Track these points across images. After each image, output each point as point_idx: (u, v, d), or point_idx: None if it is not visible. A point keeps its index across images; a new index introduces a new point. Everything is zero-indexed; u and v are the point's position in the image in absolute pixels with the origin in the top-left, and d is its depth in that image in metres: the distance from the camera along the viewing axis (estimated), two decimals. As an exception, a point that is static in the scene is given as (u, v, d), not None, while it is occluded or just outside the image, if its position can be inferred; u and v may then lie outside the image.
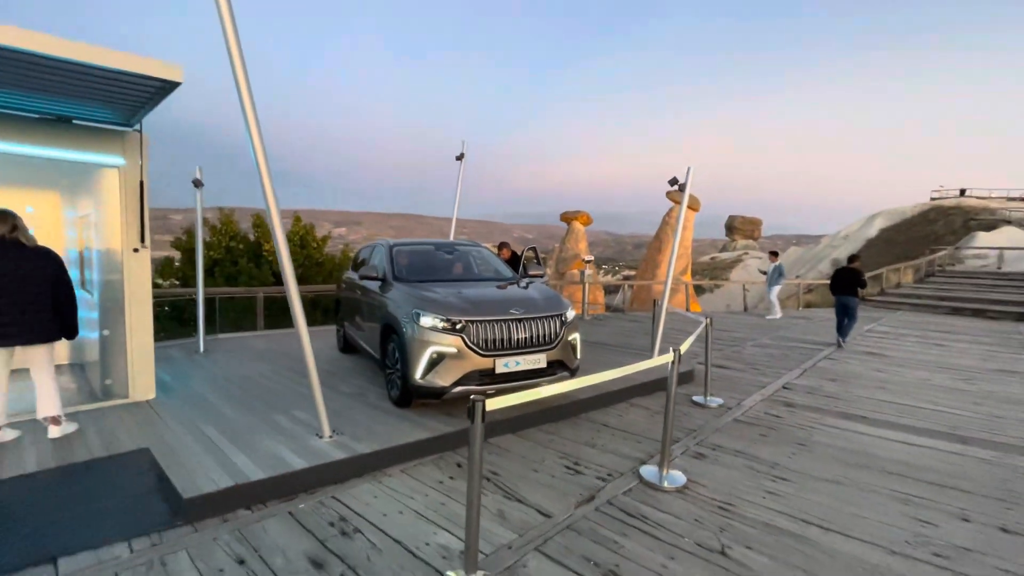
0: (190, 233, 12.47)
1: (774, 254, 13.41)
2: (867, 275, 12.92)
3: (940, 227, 39.14)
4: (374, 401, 4.75)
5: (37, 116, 4.03)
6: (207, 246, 12.48)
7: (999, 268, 19.58)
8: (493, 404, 2.33)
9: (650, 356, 6.36)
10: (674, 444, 4.10)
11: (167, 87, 3.49)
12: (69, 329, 3.82)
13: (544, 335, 4.47)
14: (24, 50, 2.94)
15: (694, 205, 26.88)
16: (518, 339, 4.33)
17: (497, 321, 4.27)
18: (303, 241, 13.48)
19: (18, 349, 3.64)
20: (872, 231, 42.53)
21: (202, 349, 6.84)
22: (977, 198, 43.62)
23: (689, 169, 6.11)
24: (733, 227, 68.57)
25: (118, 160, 4.28)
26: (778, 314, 12.87)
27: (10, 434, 3.67)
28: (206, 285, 7.42)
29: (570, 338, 4.72)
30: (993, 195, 44.70)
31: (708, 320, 5.38)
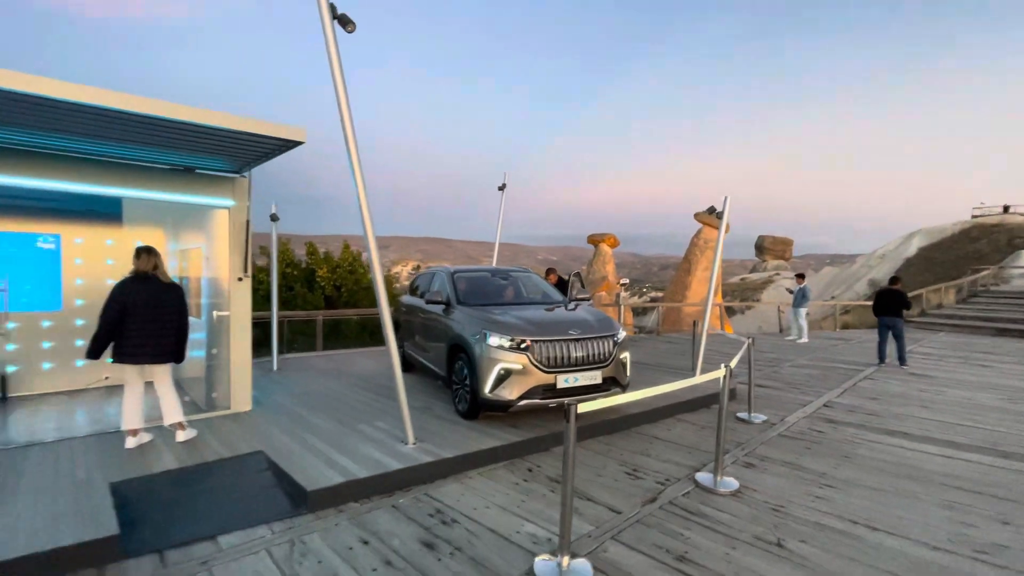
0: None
1: (800, 276, 13.51)
2: (909, 295, 12.89)
3: (983, 245, 37.98)
4: (441, 413, 5.23)
5: (168, 167, 4.78)
6: (263, 271, 13.38)
7: (1047, 288, 19.03)
8: (584, 408, 2.77)
9: (692, 375, 6.69)
10: (724, 455, 4.43)
11: (289, 145, 4.17)
12: (179, 354, 4.42)
13: (599, 354, 4.91)
14: (175, 120, 3.63)
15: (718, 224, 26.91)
16: (576, 357, 4.78)
17: (558, 341, 4.74)
18: (352, 267, 14.31)
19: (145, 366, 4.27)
20: (911, 250, 41.50)
21: (275, 367, 7.48)
22: (1022, 215, 42.20)
23: (726, 199, 6.52)
24: (763, 247, 67.65)
25: (228, 202, 4.99)
26: (805, 338, 12.89)
27: (146, 437, 4.28)
28: (265, 310, 8.05)
29: (621, 357, 5.14)
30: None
31: (751, 340, 5.71)
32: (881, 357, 9.34)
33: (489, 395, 4.64)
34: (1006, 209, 44.33)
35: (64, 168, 4.28)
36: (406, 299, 7.60)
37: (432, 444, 4.27)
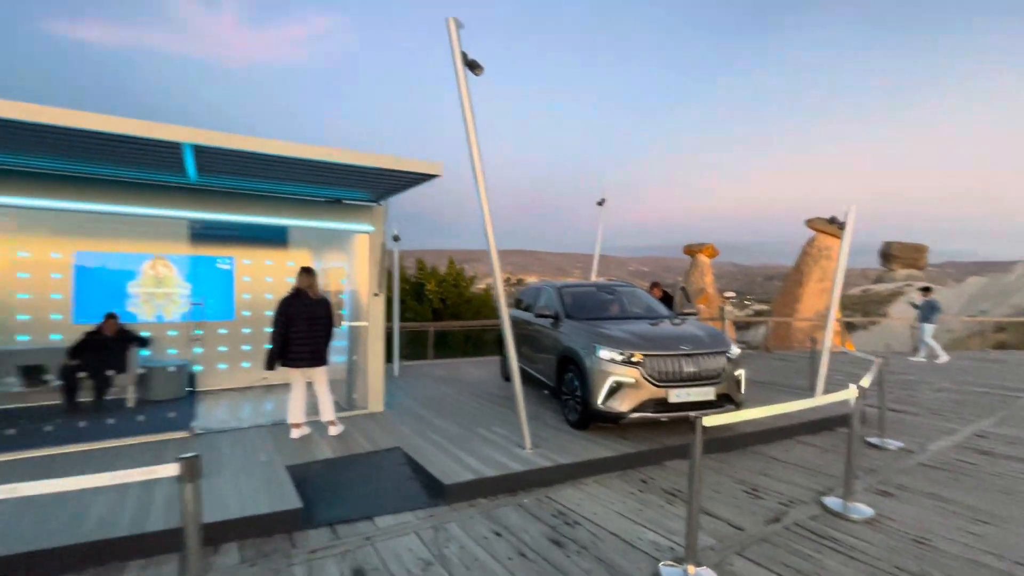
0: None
1: (926, 289, 12.03)
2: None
3: None
4: (551, 422, 5.48)
5: (322, 199, 5.61)
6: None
7: None
8: (707, 422, 2.87)
9: (810, 395, 6.32)
10: (854, 480, 4.19)
11: (426, 178, 4.75)
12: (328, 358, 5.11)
13: (711, 370, 4.89)
14: (335, 162, 4.30)
15: (839, 233, 24.63)
16: (688, 372, 4.81)
17: (669, 355, 4.81)
18: (456, 281, 15.25)
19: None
20: (1089, 256, 34.69)
21: (397, 373, 8.25)
22: None
23: (851, 209, 6.14)
24: (890, 255, 60.15)
25: (368, 227, 5.71)
26: (944, 356, 11.40)
27: (306, 430, 5.02)
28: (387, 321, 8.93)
29: (736, 373, 5.07)
30: None
31: (882, 359, 5.32)
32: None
33: (600, 406, 4.81)
34: None
35: (251, 204, 5.22)
36: (512, 312, 8.02)
37: (548, 450, 4.54)
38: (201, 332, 6.71)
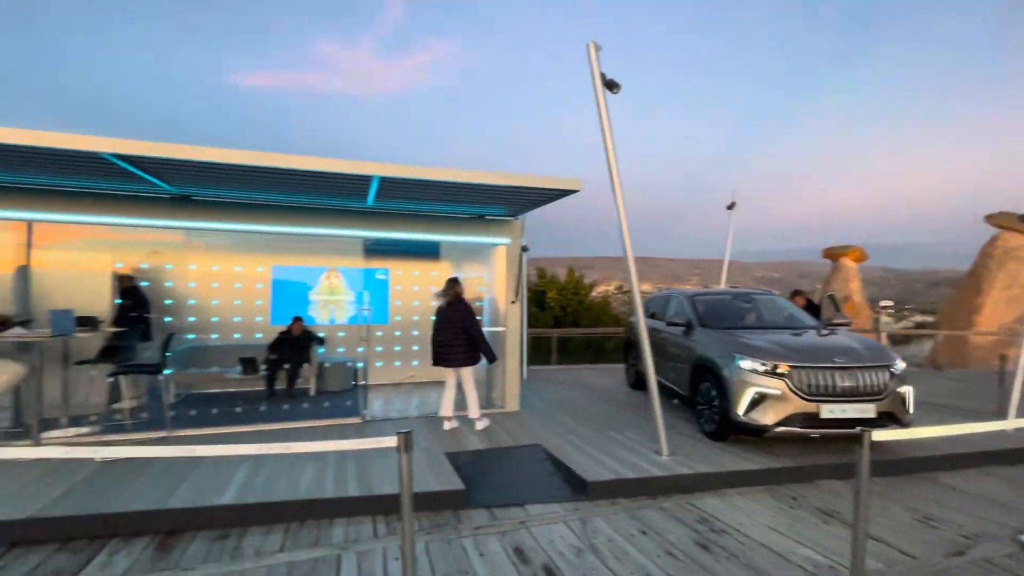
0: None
1: None
2: None
3: None
4: (684, 431, 5.44)
5: (467, 216, 6.24)
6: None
7: None
8: (880, 435, 2.76)
9: (999, 419, 5.45)
10: (1064, 521, 3.61)
11: (565, 193, 5.09)
12: (472, 358, 5.56)
13: (871, 385, 4.52)
14: (486, 184, 4.79)
15: (1034, 230, 20.44)
16: (843, 387, 4.50)
17: (820, 368, 4.55)
18: (576, 289, 15.55)
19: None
20: None
21: (525, 376, 8.71)
22: None
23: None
24: (1113, 255, 47.93)
25: (506, 240, 6.21)
26: None
27: (456, 423, 5.60)
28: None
29: (900, 390, 4.62)
30: None
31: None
32: None
33: (742, 418, 4.70)
34: None
35: (410, 223, 5.99)
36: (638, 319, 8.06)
37: (685, 458, 4.55)
38: (380, 334, 7.78)
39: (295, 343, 7.07)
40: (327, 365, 7.31)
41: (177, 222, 5.18)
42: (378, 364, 7.92)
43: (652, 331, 7.04)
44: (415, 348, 8.21)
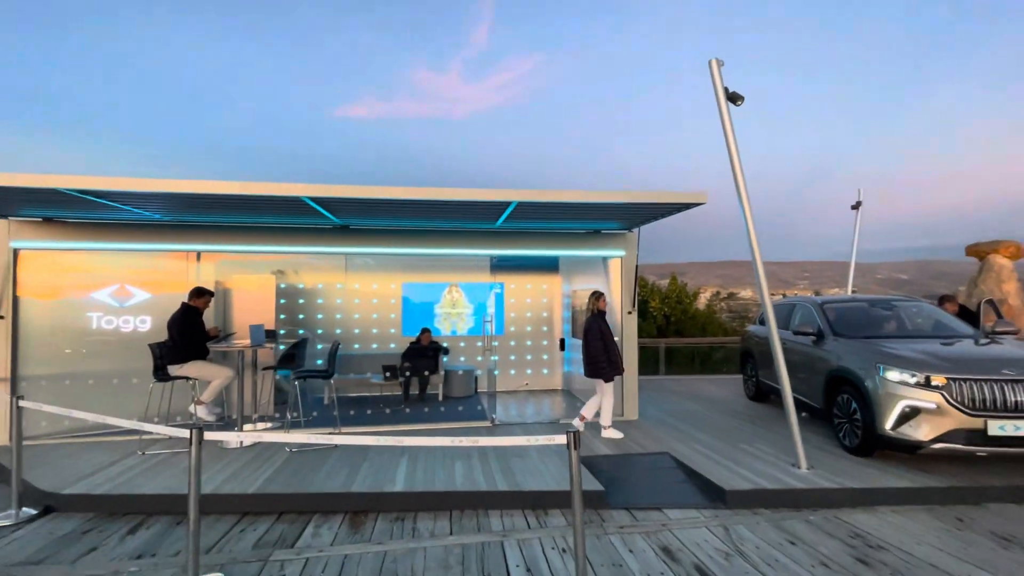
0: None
1: None
2: None
3: None
4: (820, 445, 5.23)
5: (583, 231, 6.55)
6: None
7: None
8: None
9: None
10: None
11: (690, 206, 5.23)
12: (594, 372, 5.77)
13: (1055, 399, 4.09)
14: (605, 202, 5.04)
15: None
16: (1016, 402, 4.12)
17: (986, 380, 4.21)
18: (679, 297, 15.22)
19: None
20: None
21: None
22: None
23: None
24: None
25: (621, 252, 6.42)
26: None
27: (580, 427, 5.86)
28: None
29: (1091, 406, 4.12)
30: None
31: None
32: None
33: (891, 433, 4.46)
34: None
35: (531, 240, 6.44)
36: (755, 328, 7.82)
37: (827, 471, 4.42)
38: (496, 344, 8.37)
39: (424, 352, 7.79)
40: (454, 373, 7.95)
41: (340, 248, 6.07)
42: (495, 372, 8.43)
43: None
44: (528, 358, 8.63)
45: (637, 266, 6.44)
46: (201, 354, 5.43)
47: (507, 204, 4.82)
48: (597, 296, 5.72)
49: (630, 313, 6.42)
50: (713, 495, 4.21)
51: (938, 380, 4.32)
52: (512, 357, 8.57)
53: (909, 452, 4.44)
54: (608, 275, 6.66)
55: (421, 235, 6.25)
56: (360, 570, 3.15)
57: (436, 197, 4.56)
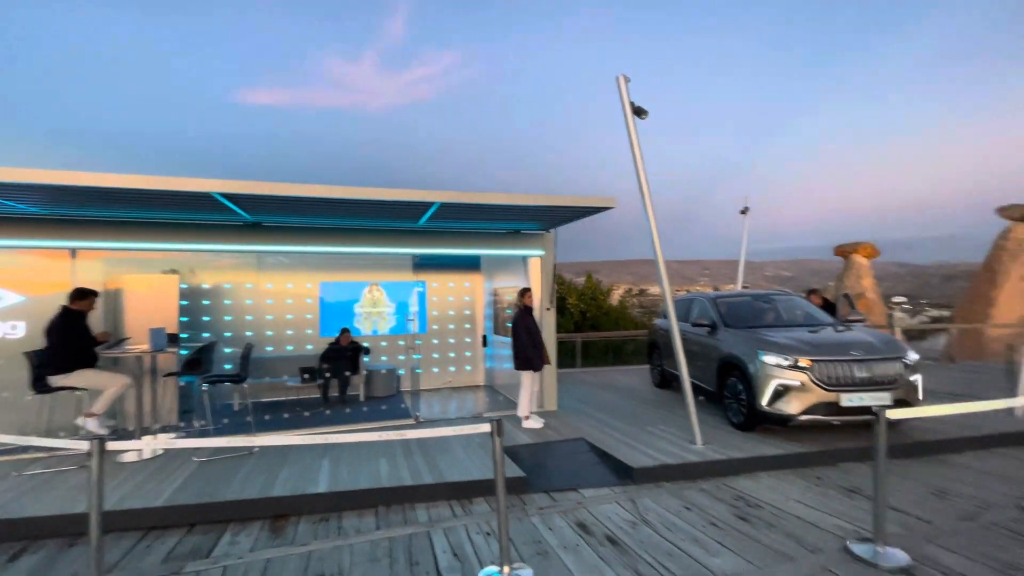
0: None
1: None
2: None
3: None
4: (713, 423, 5.89)
5: (504, 231, 6.78)
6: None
7: None
8: (895, 413, 3.23)
9: (1011, 409, 5.86)
10: (1065, 491, 4.04)
11: (600, 210, 5.62)
12: (518, 363, 6.11)
13: (887, 375, 4.97)
14: (526, 205, 5.32)
15: (1050, 223, 20.61)
16: (860, 377, 4.96)
17: (838, 360, 5.01)
18: (594, 294, 16.04)
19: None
20: None
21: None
22: None
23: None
24: None
25: (541, 252, 6.74)
26: None
27: (533, 421, 6.07)
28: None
29: (912, 379, 5.07)
30: None
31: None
32: None
33: (767, 408, 5.16)
34: None
35: (453, 239, 6.55)
36: (660, 322, 8.54)
37: (718, 446, 5.02)
38: (419, 342, 8.35)
39: (343, 353, 7.63)
40: (376, 372, 7.86)
41: (251, 246, 5.79)
42: (418, 371, 8.45)
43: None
44: (451, 355, 8.75)
45: (555, 265, 6.80)
46: (89, 361, 4.96)
47: (430, 204, 4.92)
48: (523, 292, 6.00)
49: (549, 309, 6.76)
50: (623, 473, 4.63)
51: (804, 362, 5.08)
52: (435, 355, 8.64)
53: (782, 424, 5.17)
54: (528, 273, 6.95)
55: (339, 233, 6.14)
56: (284, 572, 3.13)
57: (358, 196, 4.55)
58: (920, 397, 5.10)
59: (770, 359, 5.24)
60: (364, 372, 7.72)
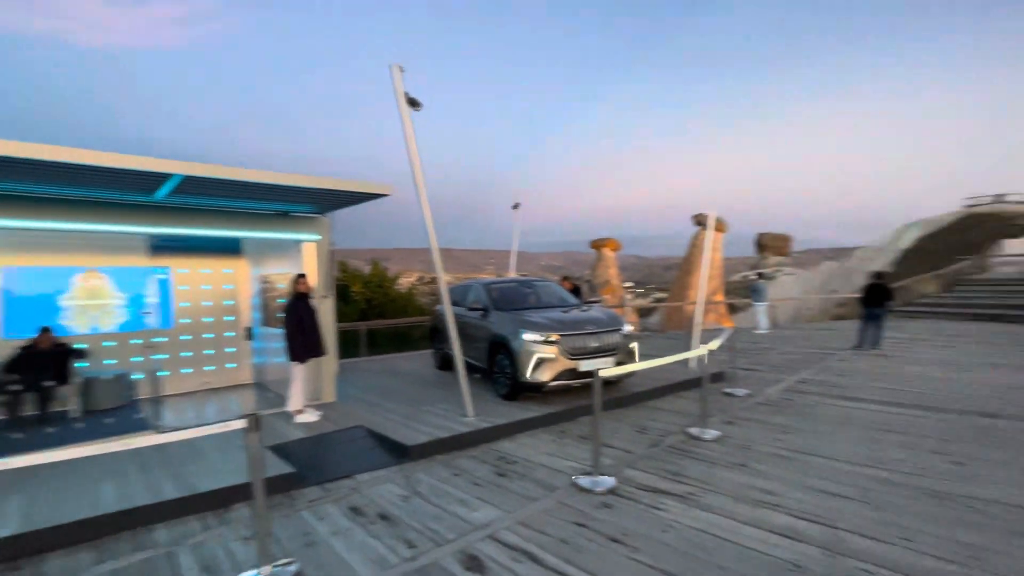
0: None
1: (759, 275, 15.01)
2: (893, 287, 14.09)
3: (977, 234, 38.99)
4: (486, 397, 6.53)
5: (272, 212, 6.17)
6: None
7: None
8: (604, 373, 4.09)
9: (687, 360, 8.00)
10: (711, 418, 5.72)
11: (375, 196, 5.54)
12: (289, 353, 5.74)
13: (611, 344, 6.24)
14: (284, 184, 4.98)
15: (721, 227, 28.29)
16: (593, 347, 6.12)
17: (579, 334, 6.08)
18: (380, 282, 15.73)
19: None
20: (907, 241, 42.56)
21: (336, 370, 8.82)
22: (1016, 202, 42.98)
23: (711, 215, 7.87)
24: (763, 244, 68.78)
25: (315, 236, 6.37)
26: (764, 328, 14.25)
27: (309, 415, 5.59)
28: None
29: (631, 346, 6.48)
30: (1032, 199, 43.93)
31: (733, 329, 7.02)
32: (860, 342, 10.56)
33: (528, 379, 5.96)
34: (998, 197, 45.26)
35: (205, 218, 5.66)
36: (441, 307, 8.99)
37: (487, 416, 5.60)
38: (166, 339, 6.95)
39: (43, 359, 5.95)
40: (97, 380, 6.33)
41: None
42: (162, 374, 7.13)
43: (456, 316, 8.05)
44: (209, 352, 7.61)
45: (333, 251, 6.52)
46: None
47: (167, 176, 4.18)
48: (297, 279, 5.59)
49: (325, 297, 6.46)
50: (399, 453, 4.79)
51: (555, 337, 6.01)
52: (187, 354, 7.39)
53: (538, 391, 6.04)
54: (302, 259, 6.50)
55: (34, 203, 4.73)
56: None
57: (72, 160, 3.57)
58: (636, 359, 6.56)
59: (529, 336, 6.05)
60: (78, 380, 6.15)
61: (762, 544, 3.07)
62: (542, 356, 5.94)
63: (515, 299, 7.37)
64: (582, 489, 3.92)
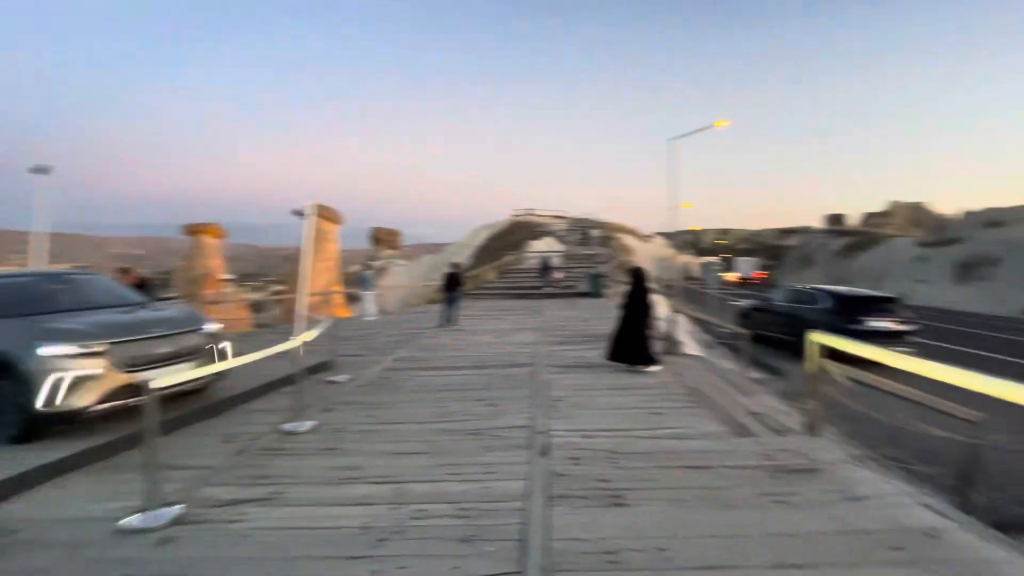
0: None
1: (367, 266, 17.00)
2: (467, 275, 17.77)
3: (518, 236, 54.23)
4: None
5: None
6: None
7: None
8: (157, 383, 3.38)
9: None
10: (309, 409, 5.68)
11: None
12: None
13: (189, 347, 5.28)
14: None
15: (336, 219, 28.82)
16: (164, 353, 5.01)
17: (139, 340, 4.85)
18: None
19: None
20: (480, 240, 54.85)
21: None
22: (538, 215, 62.12)
23: (308, 205, 7.79)
24: (378, 238, 74.70)
25: None
26: (373, 315, 16.26)
27: None
28: None
29: (221, 346, 5.66)
30: (546, 214, 64.78)
31: (332, 321, 7.19)
32: (444, 321, 12.83)
33: (48, 409, 4.32)
34: (530, 211, 64.46)
35: None
36: None
37: (-29, 476, 3.76)
38: None
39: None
40: None
41: None
42: None
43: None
44: None
45: None
46: None
47: None
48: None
49: None
50: None
51: (101, 347, 4.59)
52: None
53: (73, 422, 4.50)
54: None
55: None
56: None
57: None
58: (229, 358, 5.75)
59: (55, 350, 4.41)
60: None
61: (338, 519, 3.21)
62: (80, 375, 4.45)
63: (30, 300, 5.23)
64: (133, 531, 3.14)
